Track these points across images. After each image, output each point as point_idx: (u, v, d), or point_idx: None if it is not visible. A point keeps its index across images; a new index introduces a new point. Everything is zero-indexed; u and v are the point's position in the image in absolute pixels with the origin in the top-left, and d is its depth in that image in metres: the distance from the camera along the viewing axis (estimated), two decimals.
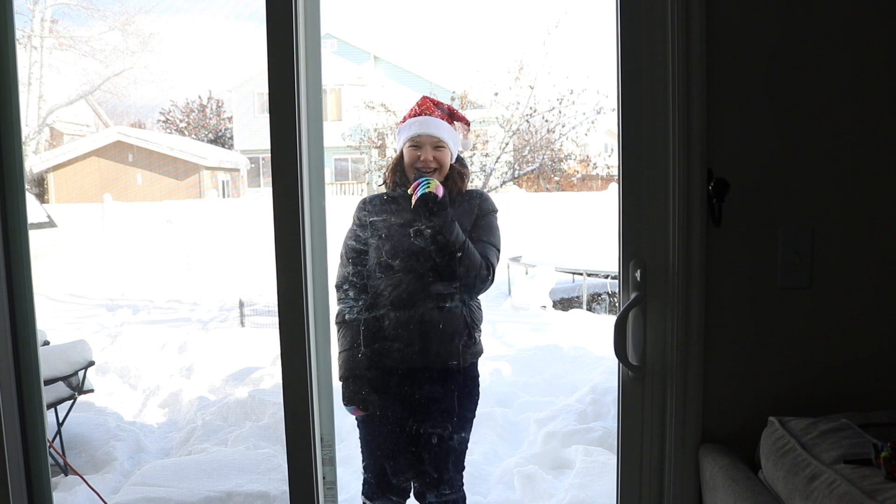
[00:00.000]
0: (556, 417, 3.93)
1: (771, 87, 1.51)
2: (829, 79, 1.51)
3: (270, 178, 1.62)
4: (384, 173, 2.27)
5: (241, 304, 7.27)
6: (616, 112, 1.56)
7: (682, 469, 1.57)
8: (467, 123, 2.28)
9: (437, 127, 2.15)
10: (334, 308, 2.17)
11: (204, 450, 3.82)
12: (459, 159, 2.29)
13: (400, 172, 2.21)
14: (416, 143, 2.15)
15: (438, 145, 2.15)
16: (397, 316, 2.15)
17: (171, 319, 7.52)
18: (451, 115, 2.23)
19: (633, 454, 1.61)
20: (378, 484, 2.26)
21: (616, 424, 1.65)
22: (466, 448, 2.31)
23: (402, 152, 2.21)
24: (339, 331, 2.21)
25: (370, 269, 2.17)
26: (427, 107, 2.20)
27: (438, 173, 2.16)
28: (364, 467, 2.30)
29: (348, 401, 2.19)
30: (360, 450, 2.31)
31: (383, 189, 2.29)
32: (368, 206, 2.23)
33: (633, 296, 1.55)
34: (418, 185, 2.10)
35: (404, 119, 2.23)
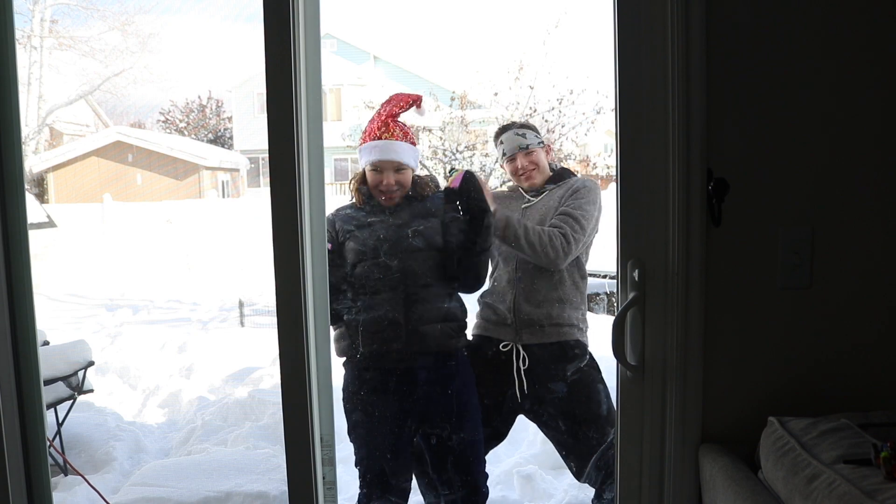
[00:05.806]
0: None
1: (771, 86, 1.51)
2: (829, 78, 1.51)
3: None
4: (350, 187, 2.30)
5: (241, 304, 7.27)
6: (615, 112, 1.56)
7: (681, 469, 1.57)
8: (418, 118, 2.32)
9: (397, 151, 2.20)
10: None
11: (203, 450, 3.82)
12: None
13: (366, 190, 2.26)
14: (377, 167, 2.21)
15: (399, 168, 2.20)
16: (396, 316, 2.15)
17: (171, 319, 7.51)
18: (404, 129, 2.24)
19: (633, 454, 1.61)
20: (378, 485, 2.26)
21: (615, 425, 1.65)
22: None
23: (363, 172, 2.26)
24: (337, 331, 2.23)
25: (367, 270, 2.17)
26: (387, 128, 2.22)
27: (399, 194, 2.22)
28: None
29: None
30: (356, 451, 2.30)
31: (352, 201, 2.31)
32: (344, 222, 2.25)
33: (630, 295, 1.55)
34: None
35: (363, 140, 2.25)
